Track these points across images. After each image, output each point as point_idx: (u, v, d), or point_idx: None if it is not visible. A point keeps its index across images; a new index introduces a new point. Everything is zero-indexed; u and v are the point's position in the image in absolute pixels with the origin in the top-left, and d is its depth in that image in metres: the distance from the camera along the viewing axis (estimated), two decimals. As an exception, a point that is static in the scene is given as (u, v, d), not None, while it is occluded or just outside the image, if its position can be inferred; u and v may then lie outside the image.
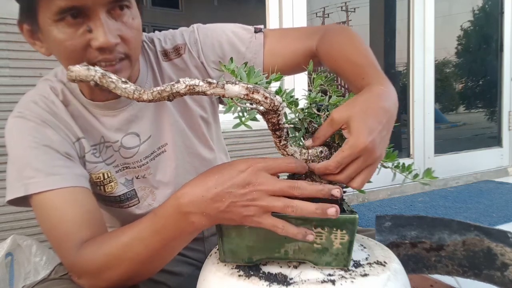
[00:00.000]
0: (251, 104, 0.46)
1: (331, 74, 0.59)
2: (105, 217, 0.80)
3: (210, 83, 0.44)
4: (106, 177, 0.76)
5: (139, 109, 0.77)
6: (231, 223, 0.51)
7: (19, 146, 0.69)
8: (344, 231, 0.49)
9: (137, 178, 0.80)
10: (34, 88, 0.76)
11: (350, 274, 0.49)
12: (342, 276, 0.49)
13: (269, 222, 0.48)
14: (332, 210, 0.47)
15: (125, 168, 0.79)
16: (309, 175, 0.53)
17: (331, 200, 0.52)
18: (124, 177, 0.79)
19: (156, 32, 0.84)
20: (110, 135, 0.76)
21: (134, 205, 0.80)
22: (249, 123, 0.47)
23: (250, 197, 0.49)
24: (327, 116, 0.55)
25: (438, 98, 3.10)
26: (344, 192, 0.55)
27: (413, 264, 0.77)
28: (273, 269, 0.51)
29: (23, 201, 0.67)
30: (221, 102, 0.91)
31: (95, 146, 0.76)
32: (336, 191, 0.48)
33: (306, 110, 0.56)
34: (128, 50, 0.66)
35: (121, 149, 0.77)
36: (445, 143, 3.28)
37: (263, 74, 0.48)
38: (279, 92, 0.52)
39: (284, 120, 0.49)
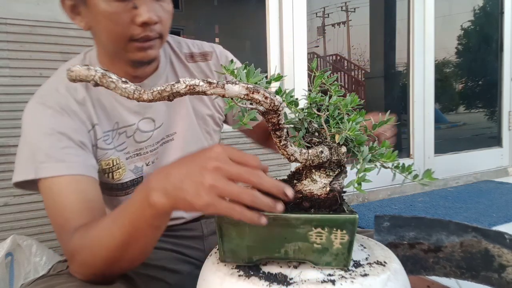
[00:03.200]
0: (251, 104, 0.46)
1: (332, 74, 0.59)
2: (109, 210, 0.82)
3: (210, 83, 0.44)
4: (115, 163, 0.79)
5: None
6: (184, 205, 0.50)
7: (35, 131, 0.71)
8: (344, 231, 0.49)
9: (147, 165, 0.83)
10: (57, 73, 0.81)
11: (350, 274, 0.49)
12: (342, 276, 0.49)
13: (224, 205, 0.47)
14: (280, 208, 0.47)
15: (136, 155, 0.82)
16: (309, 175, 0.54)
17: (331, 199, 0.52)
18: (134, 164, 0.82)
19: (183, 38, 0.94)
20: (127, 117, 0.80)
21: None
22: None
23: (205, 175, 0.48)
24: (327, 116, 0.55)
25: (438, 98, 3.10)
26: (344, 192, 0.55)
27: (411, 265, 0.77)
28: (273, 269, 0.51)
29: (30, 184, 0.70)
30: (225, 122, 1.01)
31: (108, 132, 0.79)
32: (289, 192, 0.48)
33: (306, 110, 0.56)
34: (162, 30, 0.74)
35: (137, 133, 0.81)
36: (445, 143, 3.28)
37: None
38: (279, 92, 0.52)
39: (284, 120, 0.49)
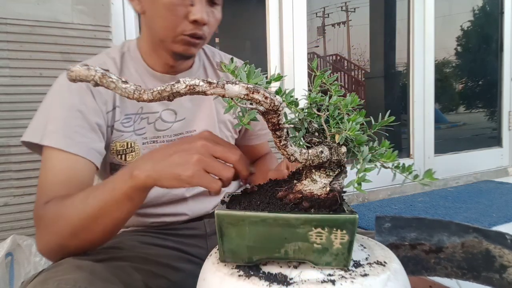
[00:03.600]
0: (251, 104, 0.46)
1: (332, 74, 0.59)
2: None
3: (210, 83, 0.44)
4: (129, 146, 0.83)
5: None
6: (169, 181, 0.56)
7: (56, 102, 0.76)
8: (344, 231, 0.49)
9: None
10: (94, 57, 0.87)
11: (350, 274, 0.49)
12: (342, 276, 0.49)
13: (208, 179, 0.54)
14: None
15: (153, 142, 0.85)
16: (309, 175, 0.54)
17: (331, 199, 0.52)
18: (149, 150, 0.84)
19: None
20: (153, 105, 0.84)
21: None
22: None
23: (192, 151, 0.55)
24: (327, 116, 0.55)
25: (438, 98, 3.10)
26: (344, 192, 0.55)
27: (412, 266, 0.77)
28: (273, 269, 0.51)
29: (35, 147, 0.75)
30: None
31: (130, 115, 0.83)
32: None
33: (306, 110, 0.56)
34: (208, 33, 0.80)
35: (158, 121, 0.85)
36: (445, 143, 3.28)
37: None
38: (279, 92, 0.52)
39: (284, 120, 0.49)
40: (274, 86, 0.51)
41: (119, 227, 0.66)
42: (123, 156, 0.82)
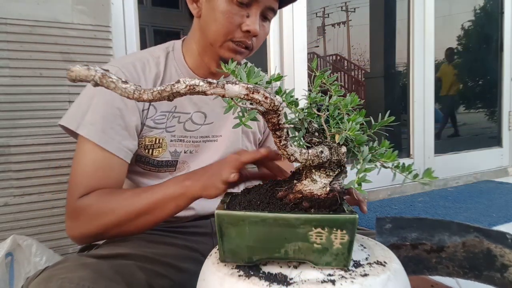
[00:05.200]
0: (251, 104, 0.46)
1: (332, 74, 0.59)
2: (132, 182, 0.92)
3: (210, 83, 0.44)
4: (158, 142, 0.87)
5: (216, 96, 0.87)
6: (208, 187, 0.69)
7: (100, 95, 0.78)
8: (344, 231, 0.49)
9: (185, 152, 0.90)
10: (138, 52, 0.93)
11: (350, 274, 0.49)
12: (342, 276, 0.49)
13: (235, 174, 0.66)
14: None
15: (180, 140, 0.89)
16: (309, 175, 0.53)
17: (331, 199, 0.52)
18: (175, 148, 0.89)
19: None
20: (187, 105, 0.89)
21: (169, 171, 0.91)
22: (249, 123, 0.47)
23: (225, 163, 0.68)
24: (327, 116, 0.55)
25: (438, 98, 3.10)
26: (344, 192, 0.55)
27: (413, 266, 0.77)
28: (273, 269, 0.51)
29: (70, 132, 0.79)
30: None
31: (165, 113, 0.87)
32: (262, 150, 0.69)
33: (306, 110, 0.56)
34: (255, 45, 0.85)
35: (188, 122, 0.90)
36: (445, 143, 3.28)
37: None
38: (279, 92, 0.52)
39: (284, 120, 0.49)
40: (274, 86, 0.51)
41: (158, 224, 0.75)
42: (150, 150, 0.86)
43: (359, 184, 0.52)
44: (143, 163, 0.88)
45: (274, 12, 0.85)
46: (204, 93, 0.44)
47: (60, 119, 0.80)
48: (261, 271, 0.51)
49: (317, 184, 0.53)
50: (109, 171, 0.78)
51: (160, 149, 0.87)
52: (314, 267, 0.51)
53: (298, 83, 2.11)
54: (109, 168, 0.78)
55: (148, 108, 0.84)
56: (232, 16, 0.79)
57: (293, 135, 0.56)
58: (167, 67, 0.87)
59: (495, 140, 3.20)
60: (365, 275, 0.49)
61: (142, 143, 0.85)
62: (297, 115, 0.56)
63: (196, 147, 0.91)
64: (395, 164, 0.55)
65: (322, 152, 0.52)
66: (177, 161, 0.90)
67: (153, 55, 0.87)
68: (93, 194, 0.75)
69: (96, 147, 0.76)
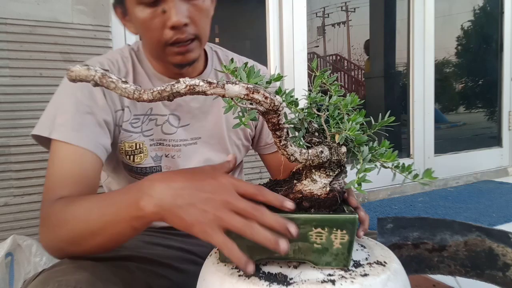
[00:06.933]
0: (251, 104, 0.46)
1: (332, 74, 0.59)
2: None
3: (210, 83, 0.44)
4: (138, 147, 0.82)
5: (193, 97, 0.84)
6: (178, 224, 0.50)
7: (67, 96, 0.75)
8: (344, 231, 0.49)
9: (166, 156, 0.86)
10: (105, 55, 0.86)
11: (350, 274, 0.49)
12: (342, 276, 0.49)
13: (220, 238, 0.48)
14: (284, 246, 0.47)
15: (159, 144, 0.85)
16: (309, 175, 0.53)
17: (331, 199, 0.52)
18: (156, 152, 0.85)
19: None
20: (162, 107, 0.83)
21: None
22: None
23: (212, 205, 0.48)
24: (327, 116, 0.55)
25: (438, 98, 3.10)
26: (344, 192, 0.55)
27: (415, 265, 0.77)
28: (273, 269, 0.51)
29: (44, 141, 0.75)
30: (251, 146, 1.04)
31: (139, 116, 0.82)
32: (292, 228, 0.47)
33: (306, 110, 0.56)
34: (197, 31, 0.75)
35: (166, 124, 0.84)
36: (445, 143, 3.28)
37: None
38: (279, 92, 0.52)
39: (284, 120, 0.49)
40: (274, 86, 0.50)
41: (119, 244, 0.63)
42: (132, 157, 0.82)
43: (359, 184, 0.52)
44: (129, 171, 0.85)
45: None
46: (204, 93, 0.44)
47: (32, 130, 0.75)
48: (261, 271, 0.51)
49: (317, 184, 0.53)
50: (84, 170, 0.71)
51: (142, 154, 0.83)
52: (314, 267, 0.51)
53: (298, 83, 2.12)
54: (83, 166, 0.71)
55: (123, 110, 0.80)
56: (150, 22, 0.72)
57: (293, 135, 0.56)
58: (135, 67, 0.84)
59: (495, 140, 3.20)
60: (365, 275, 0.49)
61: (122, 149, 0.81)
62: (297, 115, 0.56)
63: (177, 151, 0.87)
64: (395, 164, 0.55)
65: (322, 152, 0.52)
66: (160, 166, 0.85)
67: (122, 54, 0.84)
68: (59, 201, 0.66)
69: (69, 147, 0.71)
